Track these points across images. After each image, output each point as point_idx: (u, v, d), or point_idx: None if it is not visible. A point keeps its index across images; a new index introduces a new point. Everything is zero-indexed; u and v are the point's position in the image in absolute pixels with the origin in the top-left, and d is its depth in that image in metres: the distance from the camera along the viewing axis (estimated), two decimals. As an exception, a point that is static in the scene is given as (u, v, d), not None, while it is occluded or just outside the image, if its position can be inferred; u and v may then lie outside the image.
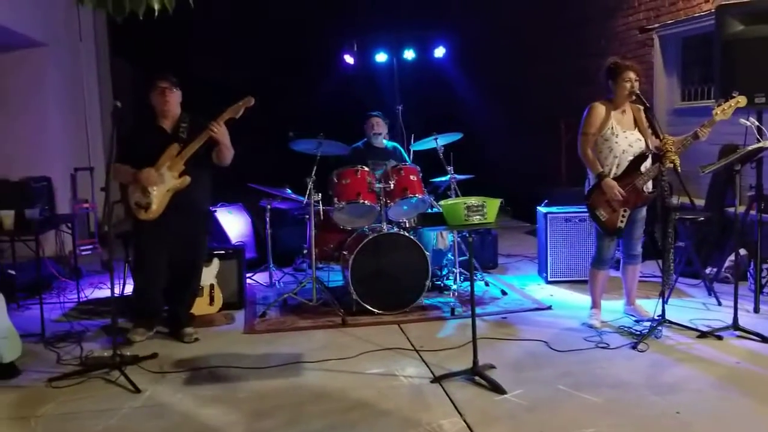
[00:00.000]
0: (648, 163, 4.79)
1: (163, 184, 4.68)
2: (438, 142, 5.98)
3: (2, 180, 5.56)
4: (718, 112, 4.56)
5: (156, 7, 2.43)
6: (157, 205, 4.67)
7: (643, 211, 4.94)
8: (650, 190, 4.80)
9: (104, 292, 6.33)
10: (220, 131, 4.67)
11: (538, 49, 10.55)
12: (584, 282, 5.63)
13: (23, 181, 5.57)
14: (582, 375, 4.09)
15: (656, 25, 7.74)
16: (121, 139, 4.72)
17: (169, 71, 4.87)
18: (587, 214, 5.00)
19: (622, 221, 4.81)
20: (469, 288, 5.85)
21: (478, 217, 3.88)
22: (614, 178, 4.78)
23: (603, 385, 3.93)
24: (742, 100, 4.58)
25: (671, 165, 4.46)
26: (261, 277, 6.76)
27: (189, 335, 4.96)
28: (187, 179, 4.72)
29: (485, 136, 9.62)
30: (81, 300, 6.01)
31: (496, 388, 3.86)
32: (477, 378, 4.00)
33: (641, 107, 4.77)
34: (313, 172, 5.61)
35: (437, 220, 4.19)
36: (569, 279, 6.28)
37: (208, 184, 5.00)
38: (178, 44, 11.16)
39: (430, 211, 5.77)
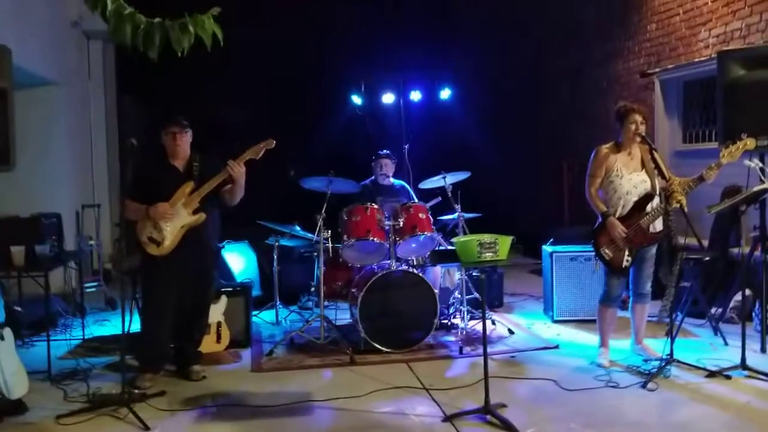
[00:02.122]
0: (654, 203, 4.85)
1: (177, 220, 4.70)
2: (446, 180, 6.04)
3: (13, 216, 5.58)
4: (725, 154, 4.62)
5: (185, 45, 2.51)
6: (170, 241, 4.68)
7: (653, 250, 4.98)
8: (657, 230, 4.85)
9: (109, 330, 6.34)
10: (238, 171, 4.70)
11: (541, 92, 10.73)
12: (591, 321, 5.65)
13: (34, 217, 5.59)
14: (593, 414, 4.08)
15: (657, 70, 7.89)
16: (133, 176, 4.77)
17: (179, 113, 4.91)
18: (593, 253, 5.04)
19: (627, 260, 4.87)
20: (475, 327, 5.94)
21: (490, 254, 3.92)
22: (619, 218, 4.86)
23: (615, 424, 3.93)
24: (750, 143, 4.62)
25: (677, 205, 4.52)
26: (266, 315, 6.74)
27: (197, 373, 4.94)
28: (203, 216, 4.76)
29: (489, 175, 9.71)
30: (86, 337, 5.99)
31: (509, 427, 3.85)
32: (489, 417, 3.99)
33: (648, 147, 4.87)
34: (323, 209, 5.66)
35: (450, 256, 4.22)
36: (576, 318, 6.28)
37: (217, 222, 5.04)
38: (184, 83, 11.29)
39: (439, 248, 5.80)
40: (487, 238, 3.94)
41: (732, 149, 4.63)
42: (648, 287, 5.05)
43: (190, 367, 4.96)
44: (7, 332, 4.22)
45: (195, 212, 4.76)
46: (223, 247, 6.76)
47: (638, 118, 4.86)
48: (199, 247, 4.84)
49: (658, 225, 4.85)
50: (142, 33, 2.62)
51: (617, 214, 4.88)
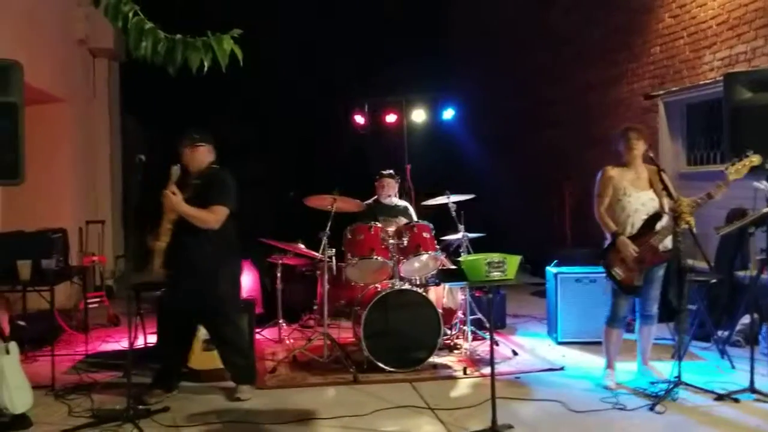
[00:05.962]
0: (663, 222, 4.84)
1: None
2: (450, 199, 6.05)
3: (19, 231, 5.58)
4: (732, 171, 4.61)
5: (207, 63, 2.53)
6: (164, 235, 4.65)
7: (660, 271, 4.97)
8: (667, 248, 4.83)
9: (112, 345, 6.33)
10: (167, 201, 4.57)
11: (544, 113, 10.77)
12: (595, 343, 5.63)
13: (41, 232, 5.59)
14: (601, 436, 4.05)
15: (661, 92, 7.93)
16: None
17: (185, 132, 4.91)
18: (602, 274, 5.02)
19: (638, 279, 4.85)
20: (478, 348, 5.92)
21: (498, 273, 3.91)
22: (629, 237, 4.85)
23: (623, 447, 3.89)
24: (756, 159, 4.59)
25: (686, 225, 4.51)
26: (268, 333, 6.71)
27: (243, 393, 4.83)
28: (162, 245, 4.64)
29: (492, 196, 9.75)
30: (89, 352, 5.97)
31: (516, 448, 3.82)
32: (496, 437, 3.96)
33: (656, 168, 4.89)
34: (328, 228, 5.65)
35: (457, 275, 4.20)
36: (580, 340, 6.21)
37: (207, 244, 4.72)
38: (187, 102, 11.35)
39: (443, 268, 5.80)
40: (495, 257, 3.93)
41: (738, 166, 4.62)
42: (655, 309, 5.02)
43: (236, 387, 4.90)
44: (12, 346, 4.22)
45: (184, 234, 4.65)
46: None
47: (632, 135, 4.91)
48: (191, 270, 4.70)
49: (668, 243, 4.83)
50: (163, 49, 2.64)
51: (626, 233, 4.87)
